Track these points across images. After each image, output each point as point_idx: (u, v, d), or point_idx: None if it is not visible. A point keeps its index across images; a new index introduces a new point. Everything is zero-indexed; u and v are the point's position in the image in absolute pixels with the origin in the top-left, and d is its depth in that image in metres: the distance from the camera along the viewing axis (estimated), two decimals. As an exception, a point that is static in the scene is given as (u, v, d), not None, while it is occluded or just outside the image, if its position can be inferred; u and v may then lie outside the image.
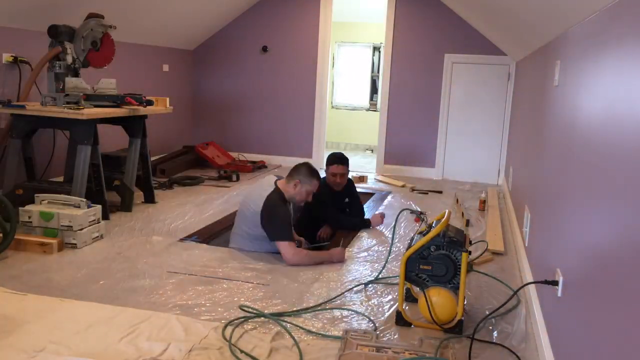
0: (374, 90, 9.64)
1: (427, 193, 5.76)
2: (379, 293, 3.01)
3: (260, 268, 3.29)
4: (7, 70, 4.39)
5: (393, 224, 4.24)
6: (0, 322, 2.41)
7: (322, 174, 3.84)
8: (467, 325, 2.59)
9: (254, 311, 2.64)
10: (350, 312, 2.73)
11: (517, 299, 2.92)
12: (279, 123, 7.22)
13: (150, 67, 6.44)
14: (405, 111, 6.82)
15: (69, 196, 3.72)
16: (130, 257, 3.39)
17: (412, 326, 2.60)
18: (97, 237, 3.66)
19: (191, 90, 7.40)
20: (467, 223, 4.49)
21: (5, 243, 3.23)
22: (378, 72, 9.41)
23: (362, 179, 6.31)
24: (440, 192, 5.85)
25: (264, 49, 7.15)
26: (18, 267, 3.12)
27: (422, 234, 2.68)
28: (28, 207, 3.57)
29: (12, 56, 4.38)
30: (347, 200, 4.36)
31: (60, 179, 4.73)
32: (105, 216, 3.93)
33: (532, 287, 2.93)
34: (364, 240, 4.01)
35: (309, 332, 2.48)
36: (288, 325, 2.53)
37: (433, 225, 2.74)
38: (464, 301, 2.58)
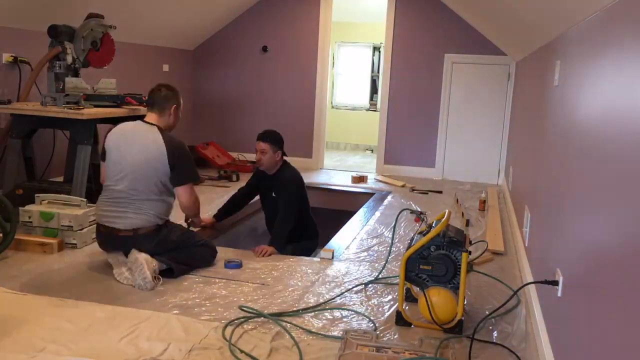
0: (374, 90, 9.64)
1: (427, 193, 5.76)
2: (379, 293, 3.01)
3: (260, 268, 3.29)
4: (7, 70, 4.39)
5: (393, 224, 4.24)
6: (0, 322, 2.41)
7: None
8: (467, 325, 2.58)
9: (254, 311, 2.64)
10: (350, 312, 2.73)
11: (517, 299, 2.92)
12: (279, 123, 7.18)
13: (150, 67, 6.44)
14: (405, 111, 6.82)
15: (69, 196, 3.72)
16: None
17: (412, 326, 2.60)
18: (97, 237, 3.66)
19: (191, 90, 7.40)
20: (467, 223, 4.49)
21: (5, 243, 3.23)
22: (378, 72, 9.41)
23: (362, 179, 6.31)
24: (440, 192, 5.85)
25: (264, 49, 7.15)
26: (18, 267, 3.12)
27: (422, 234, 2.68)
28: (28, 207, 3.57)
29: (12, 56, 4.39)
30: (273, 194, 3.88)
31: (60, 179, 4.73)
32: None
33: (532, 287, 2.93)
34: (364, 240, 4.01)
35: (309, 332, 2.48)
36: (288, 325, 2.53)
37: (433, 225, 2.74)
38: (464, 301, 2.58)
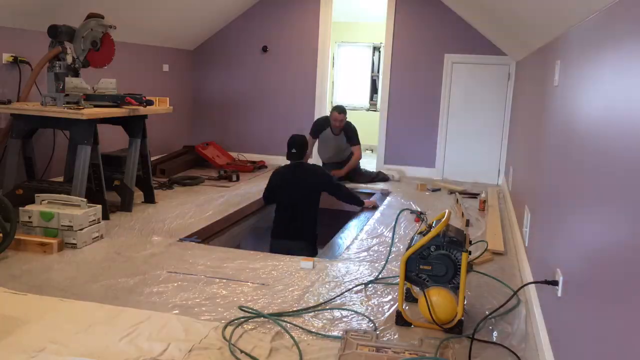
0: (374, 90, 9.64)
1: (476, 197, 5.51)
2: (379, 293, 3.01)
3: (260, 268, 3.29)
4: (7, 70, 4.39)
5: (393, 224, 4.24)
6: (0, 322, 2.41)
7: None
8: (467, 325, 2.58)
9: (254, 311, 2.64)
10: (350, 312, 2.73)
11: (517, 299, 2.92)
12: (279, 123, 7.21)
13: (150, 67, 6.44)
14: (405, 111, 6.82)
15: (69, 196, 3.72)
16: (130, 257, 3.39)
17: (412, 326, 2.60)
18: (97, 237, 3.66)
19: (191, 90, 7.40)
20: (467, 223, 4.48)
21: (5, 243, 3.23)
22: (378, 72, 9.41)
23: (423, 186, 6.00)
24: (477, 195, 5.54)
25: (264, 49, 7.15)
26: (18, 267, 3.12)
27: (422, 234, 2.68)
28: (28, 207, 3.57)
29: (12, 56, 4.38)
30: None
31: (60, 179, 4.73)
32: (105, 216, 3.93)
33: (532, 287, 2.93)
34: (364, 240, 4.01)
35: (309, 332, 2.48)
36: (288, 325, 2.53)
37: (433, 225, 2.74)
38: (464, 301, 2.58)
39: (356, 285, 3.08)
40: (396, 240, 3.98)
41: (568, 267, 2.12)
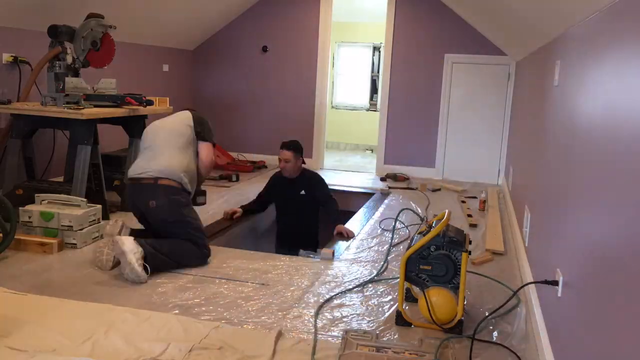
0: (374, 90, 9.64)
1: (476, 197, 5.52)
2: (379, 293, 3.01)
3: (260, 268, 3.29)
4: (7, 70, 4.39)
5: (393, 224, 4.24)
6: (0, 322, 2.41)
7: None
8: (467, 325, 2.58)
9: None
10: (350, 312, 2.73)
11: (517, 299, 2.92)
12: (279, 123, 7.21)
13: (150, 67, 6.44)
14: (405, 111, 6.82)
15: (69, 196, 3.72)
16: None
17: (412, 326, 2.59)
18: (97, 237, 3.66)
19: (191, 90, 7.40)
20: (474, 225, 4.48)
21: (5, 243, 3.23)
22: (378, 72, 9.41)
23: (423, 186, 5.98)
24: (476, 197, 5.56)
25: (264, 49, 7.15)
26: (18, 267, 3.12)
27: (422, 234, 2.68)
28: (28, 207, 3.57)
29: (12, 56, 4.38)
30: (302, 192, 4.36)
31: (60, 179, 4.72)
32: (105, 216, 3.93)
33: (532, 287, 2.93)
34: (364, 240, 4.01)
35: (309, 332, 2.48)
36: (288, 325, 2.53)
37: (433, 225, 2.74)
38: (464, 301, 2.58)
39: (356, 286, 3.08)
40: (396, 240, 3.98)
41: (568, 267, 2.12)
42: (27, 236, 3.46)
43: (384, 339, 2.46)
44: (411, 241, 2.74)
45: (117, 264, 3.06)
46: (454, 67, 6.57)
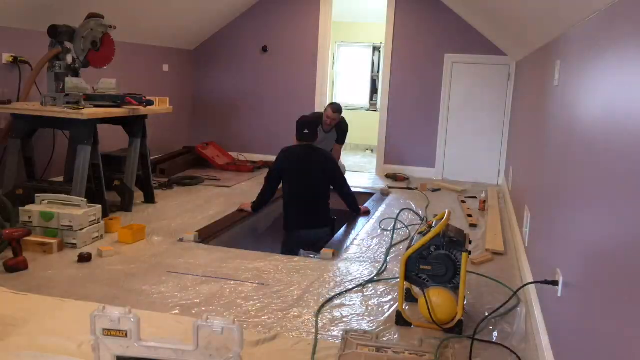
0: (374, 90, 9.64)
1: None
2: (379, 293, 3.01)
3: (260, 268, 3.29)
4: (7, 70, 4.39)
5: (393, 224, 4.24)
6: (1, 322, 2.41)
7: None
8: (467, 325, 2.58)
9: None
10: (350, 312, 2.73)
11: (517, 299, 2.92)
12: (279, 123, 7.21)
13: (150, 67, 6.45)
14: (405, 111, 6.82)
15: (69, 196, 3.72)
16: (130, 257, 3.39)
17: (412, 326, 2.60)
18: (97, 237, 3.66)
19: (191, 90, 7.40)
20: (474, 225, 4.48)
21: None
22: (378, 72, 9.41)
23: (423, 186, 5.98)
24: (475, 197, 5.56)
25: (264, 49, 7.15)
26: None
27: (422, 234, 2.68)
28: (28, 207, 3.57)
29: (12, 56, 4.39)
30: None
31: (60, 179, 4.73)
32: (105, 216, 3.93)
33: (532, 287, 2.93)
34: (364, 240, 4.01)
35: (309, 332, 2.48)
36: (289, 325, 2.53)
37: (433, 225, 2.74)
38: (464, 301, 2.58)
39: (356, 286, 3.08)
40: (396, 240, 3.98)
41: (568, 267, 2.12)
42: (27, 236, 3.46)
43: (384, 339, 2.46)
44: (411, 241, 2.74)
45: None
46: (454, 67, 6.57)
